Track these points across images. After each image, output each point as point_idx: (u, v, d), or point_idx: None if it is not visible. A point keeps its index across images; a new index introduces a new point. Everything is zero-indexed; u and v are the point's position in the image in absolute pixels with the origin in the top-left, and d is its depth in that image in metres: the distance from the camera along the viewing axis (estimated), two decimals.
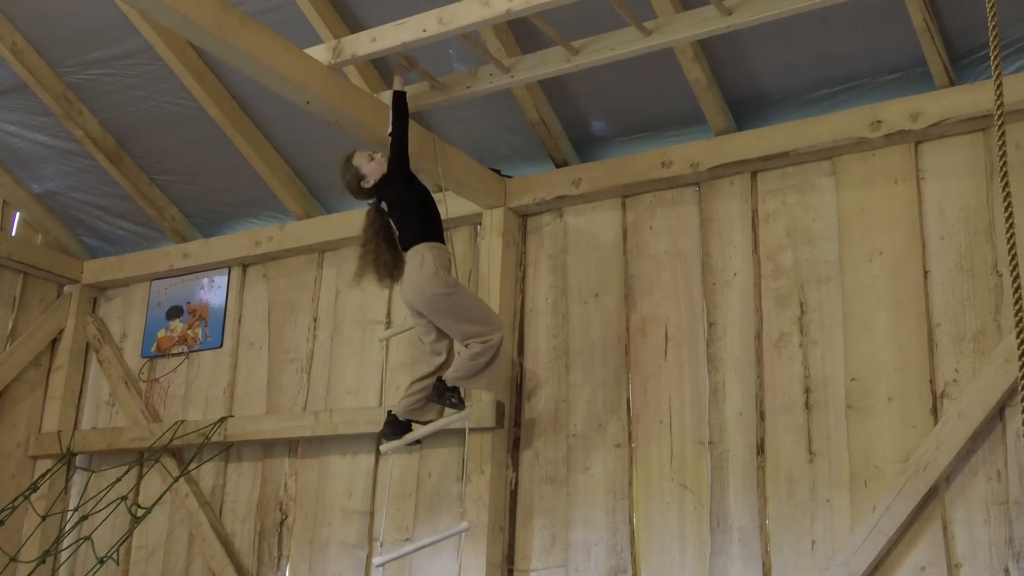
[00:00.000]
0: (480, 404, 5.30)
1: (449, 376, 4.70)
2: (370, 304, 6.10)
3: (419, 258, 4.63)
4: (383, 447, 4.95)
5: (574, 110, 5.54)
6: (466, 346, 4.71)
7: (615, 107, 5.47)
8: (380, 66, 5.55)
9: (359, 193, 4.89)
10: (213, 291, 6.78)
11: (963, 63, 4.70)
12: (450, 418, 4.91)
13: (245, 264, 6.73)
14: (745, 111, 5.22)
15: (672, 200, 5.33)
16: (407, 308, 4.87)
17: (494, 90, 5.02)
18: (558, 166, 5.65)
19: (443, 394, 4.70)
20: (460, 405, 4.77)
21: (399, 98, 4.77)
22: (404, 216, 4.75)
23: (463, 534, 4.89)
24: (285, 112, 5.88)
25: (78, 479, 6.85)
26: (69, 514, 6.68)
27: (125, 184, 6.69)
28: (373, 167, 4.80)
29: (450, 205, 5.73)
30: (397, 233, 4.79)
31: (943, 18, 4.58)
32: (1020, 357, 2.82)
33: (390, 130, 4.78)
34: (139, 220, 7.03)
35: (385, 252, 4.78)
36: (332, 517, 5.85)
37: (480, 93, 5.03)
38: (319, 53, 4.81)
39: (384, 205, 4.85)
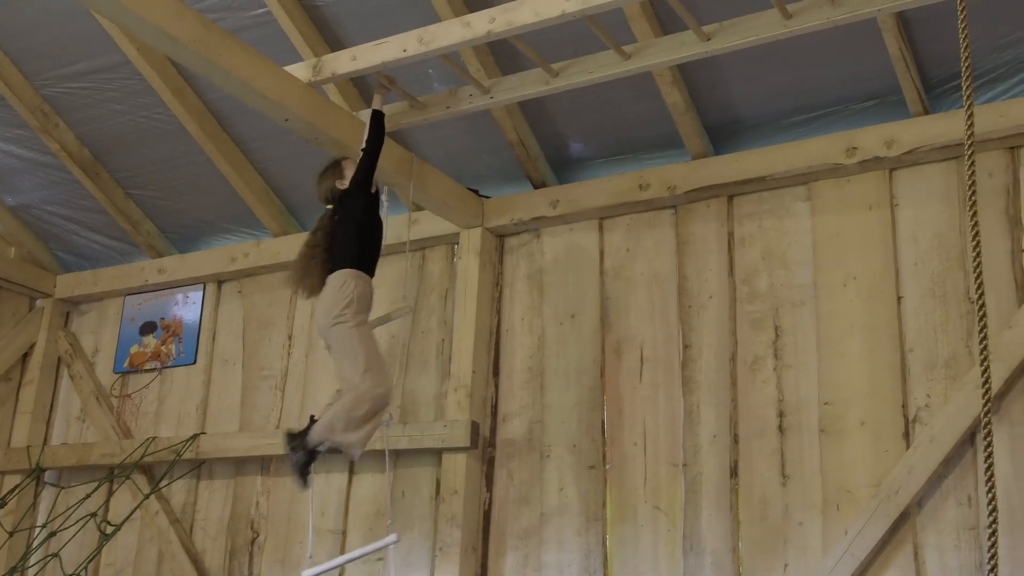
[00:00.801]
0: (455, 424, 5.29)
1: (317, 429, 4.24)
2: None
3: (340, 282, 4.38)
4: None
5: (553, 131, 5.56)
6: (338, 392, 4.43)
7: (593, 129, 5.50)
8: (360, 85, 5.56)
9: (328, 199, 4.67)
10: (187, 307, 6.74)
11: (937, 92, 4.76)
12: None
13: (220, 280, 6.70)
14: (722, 135, 5.26)
15: (649, 222, 5.35)
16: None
17: (473, 111, 5.03)
18: (536, 187, 5.67)
19: (295, 453, 4.26)
20: (302, 471, 4.26)
21: (377, 118, 4.70)
22: (347, 236, 4.51)
23: (392, 546, 4.82)
24: (263, 129, 5.87)
25: (47, 495, 6.77)
26: (37, 530, 6.61)
27: (101, 198, 6.66)
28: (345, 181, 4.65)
29: (427, 224, 5.75)
30: (333, 248, 4.55)
31: (918, 47, 4.64)
32: (983, 374, 2.84)
33: (363, 147, 4.69)
34: (114, 235, 6.99)
35: (320, 263, 4.53)
36: (304, 536, 5.81)
37: (459, 113, 5.05)
38: (299, 71, 4.81)
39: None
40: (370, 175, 4.58)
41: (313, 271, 4.54)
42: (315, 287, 4.54)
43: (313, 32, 5.41)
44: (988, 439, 2.88)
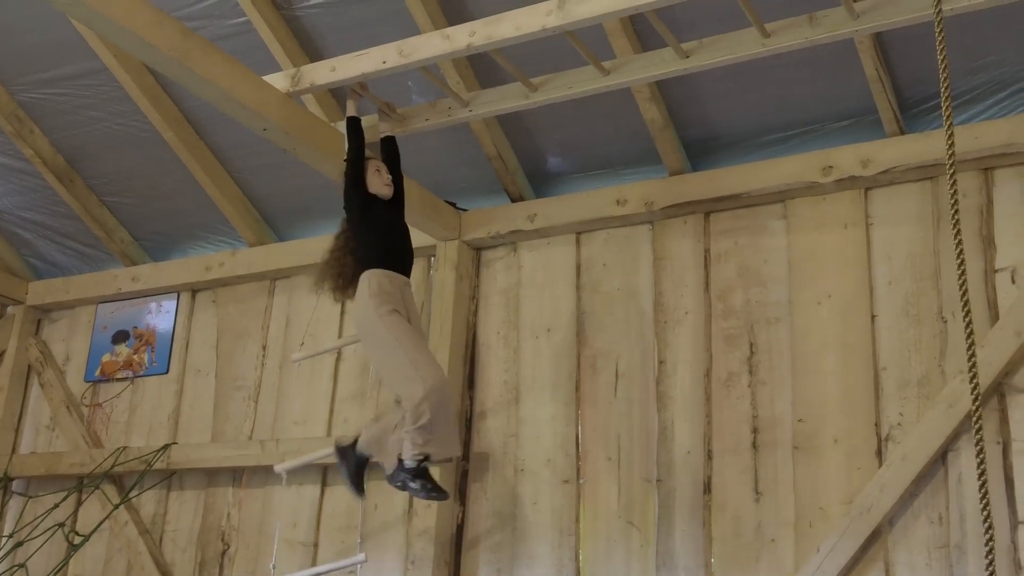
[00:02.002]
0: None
1: (406, 454, 4.20)
2: (321, 333, 6.05)
3: (360, 287, 4.37)
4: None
5: (531, 145, 5.57)
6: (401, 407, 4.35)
7: (572, 144, 5.51)
8: (339, 96, 5.55)
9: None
10: (161, 316, 6.70)
11: (912, 112, 4.81)
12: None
13: (195, 289, 6.66)
14: (700, 152, 5.29)
15: (626, 238, 5.36)
16: None
17: (452, 123, 5.03)
18: (514, 200, 5.68)
19: (405, 481, 4.24)
20: (430, 492, 4.24)
21: (351, 124, 4.67)
22: (355, 240, 4.52)
23: (360, 567, 4.83)
24: (241, 138, 5.85)
25: (14, 504, 6.69)
26: (4, 540, 6.52)
27: (74, 205, 6.61)
28: (376, 182, 4.56)
29: None
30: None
31: (894, 68, 4.69)
32: (973, 391, 2.86)
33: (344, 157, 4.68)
34: (87, 242, 6.94)
35: (339, 266, 4.54)
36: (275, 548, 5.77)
37: (438, 126, 5.04)
38: (277, 81, 4.79)
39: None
40: (355, 181, 4.52)
41: (331, 273, 4.55)
42: (336, 288, 4.55)
43: (292, 42, 5.41)
44: (980, 456, 2.88)
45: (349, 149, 4.63)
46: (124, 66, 5.69)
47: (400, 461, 4.24)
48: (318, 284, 4.63)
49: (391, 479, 4.33)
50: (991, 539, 2.89)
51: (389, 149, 4.80)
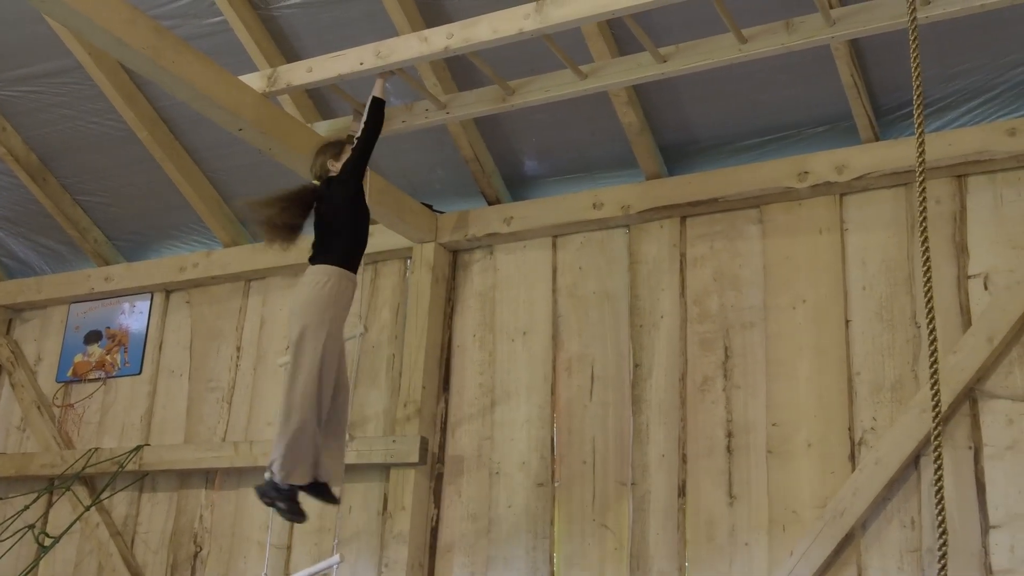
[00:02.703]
0: (404, 439, 5.26)
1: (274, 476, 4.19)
2: None
3: (323, 279, 4.21)
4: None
5: (508, 148, 5.57)
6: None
7: (549, 147, 5.51)
8: (315, 97, 5.53)
9: (318, 175, 4.50)
10: (134, 316, 6.65)
11: (887, 119, 4.84)
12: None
13: (168, 290, 6.61)
14: (676, 156, 5.31)
15: (602, 241, 5.37)
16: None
17: (429, 126, 5.02)
18: (490, 203, 5.67)
19: (266, 492, 4.23)
20: (288, 512, 4.26)
21: (376, 105, 4.50)
22: (331, 228, 4.35)
23: (335, 568, 4.80)
24: (216, 138, 5.83)
25: None
26: None
27: (47, 204, 6.55)
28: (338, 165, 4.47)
29: (381, 238, 5.72)
30: (315, 239, 4.39)
31: (870, 75, 4.72)
32: (933, 398, 2.88)
33: (357, 134, 4.51)
34: (60, 241, 6.88)
35: (293, 218, 4.40)
36: (248, 550, 5.74)
37: (415, 128, 5.03)
38: (253, 81, 4.77)
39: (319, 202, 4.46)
40: (362, 165, 4.44)
41: (287, 222, 4.40)
42: (280, 242, 4.42)
43: (269, 43, 5.38)
44: (938, 462, 2.91)
45: (365, 130, 4.49)
46: (99, 64, 5.65)
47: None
48: (260, 217, 4.46)
49: (260, 492, 4.27)
50: (944, 544, 2.98)
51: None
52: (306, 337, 4.17)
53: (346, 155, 4.46)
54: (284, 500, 4.23)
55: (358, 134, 4.52)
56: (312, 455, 4.20)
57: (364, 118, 4.52)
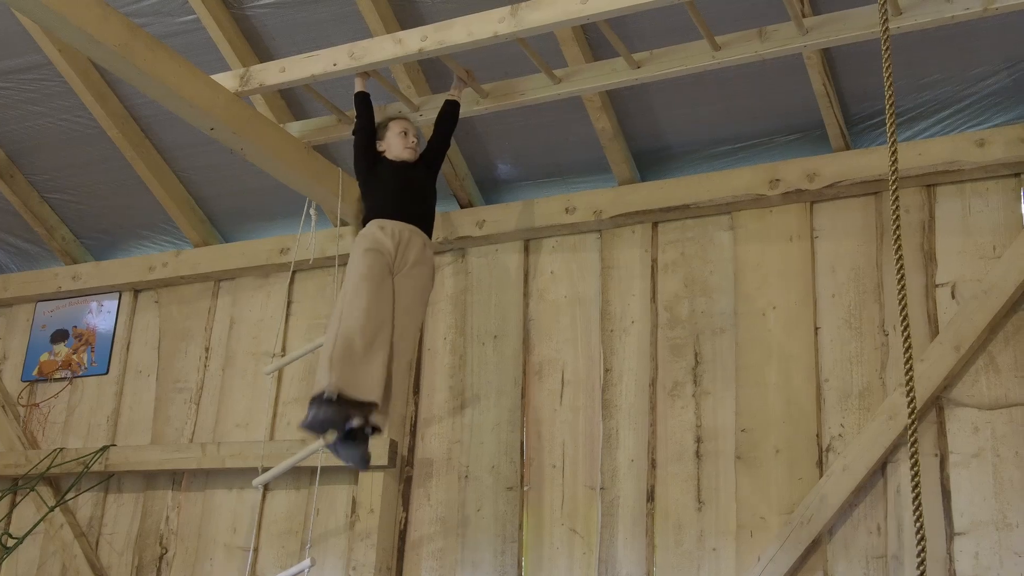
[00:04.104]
0: (373, 442, 5.23)
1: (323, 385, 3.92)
2: (265, 335, 6.00)
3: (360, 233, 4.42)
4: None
5: (481, 152, 5.57)
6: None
7: (522, 151, 5.52)
8: (287, 97, 5.51)
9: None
10: (102, 316, 6.59)
11: (858, 128, 4.88)
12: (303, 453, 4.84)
13: (137, 289, 6.55)
14: (649, 162, 5.32)
15: (574, 246, 5.38)
16: None
17: None
18: (462, 206, 5.67)
19: (315, 417, 3.87)
20: (346, 447, 3.95)
21: (360, 98, 4.64)
22: (364, 200, 4.62)
23: (307, 571, 4.79)
24: (188, 138, 5.78)
25: None
26: None
27: (14, 201, 6.48)
28: (396, 144, 4.54)
29: (352, 241, 5.69)
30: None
31: (841, 85, 4.75)
32: (909, 404, 2.90)
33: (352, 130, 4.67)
34: (27, 239, 6.80)
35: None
36: (214, 553, 5.70)
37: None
38: (226, 80, 4.75)
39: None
40: (364, 151, 4.55)
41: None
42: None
43: (242, 42, 5.35)
44: (915, 468, 2.93)
45: (358, 120, 4.61)
46: (69, 61, 5.59)
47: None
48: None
49: (309, 422, 3.90)
50: (923, 550, 3.01)
51: (446, 111, 4.71)
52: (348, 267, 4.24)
53: (402, 133, 4.61)
54: (338, 424, 3.85)
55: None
56: (379, 373, 3.97)
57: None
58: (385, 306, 4.14)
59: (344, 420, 3.88)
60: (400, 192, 4.45)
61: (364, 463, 4.05)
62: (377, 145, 4.58)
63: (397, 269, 4.29)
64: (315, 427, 3.89)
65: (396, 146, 4.54)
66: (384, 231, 4.30)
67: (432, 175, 4.66)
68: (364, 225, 4.41)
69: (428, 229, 4.49)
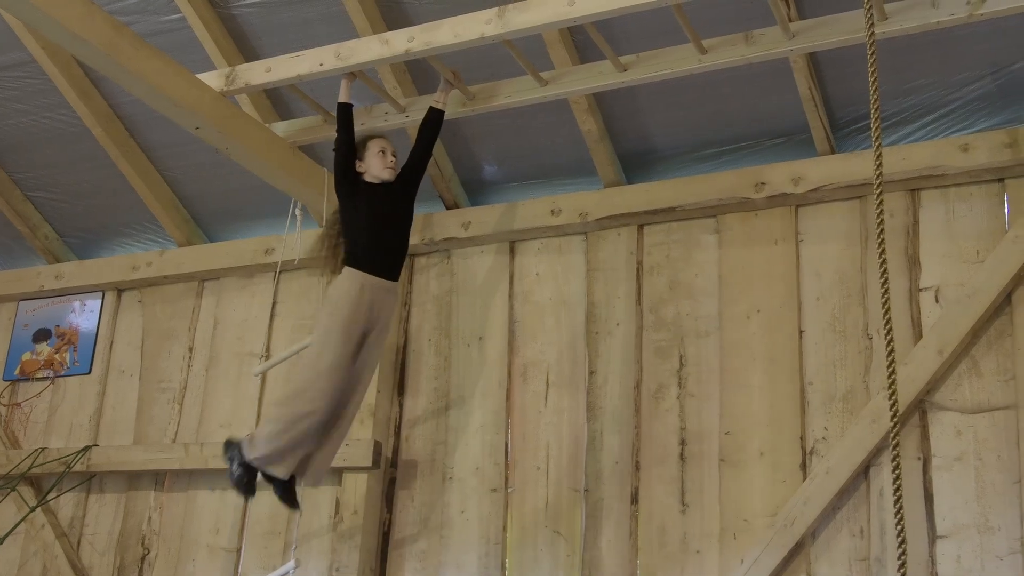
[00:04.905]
0: (357, 443, 5.22)
1: (249, 448, 4.22)
2: (249, 336, 5.98)
3: (339, 281, 4.34)
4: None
5: (467, 153, 5.56)
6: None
7: (508, 153, 5.52)
8: (273, 97, 5.50)
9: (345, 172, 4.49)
10: (84, 315, 6.56)
11: (843, 132, 4.90)
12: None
13: (120, 289, 6.52)
14: (635, 165, 5.33)
15: (559, 248, 5.38)
16: None
17: (388, 129, 5.00)
18: (448, 208, 5.66)
19: (233, 457, 4.25)
20: (241, 483, 4.25)
21: (343, 110, 4.51)
22: (344, 230, 4.49)
23: (292, 573, 4.78)
24: (173, 137, 5.76)
25: None
26: None
27: None
28: (376, 164, 4.47)
29: None
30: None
31: (827, 89, 4.77)
32: (891, 408, 2.91)
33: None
34: (10, 237, 6.77)
35: (340, 248, 4.50)
36: (197, 553, 5.68)
37: (374, 131, 5.00)
38: (211, 79, 4.73)
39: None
40: (343, 171, 4.45)
41: (325, 254, 4.59)
42: (329, 269, 4.58)
43: (228, 41, 5.34)
44: (897, 471, 2.95)
45: (338, 137, 4.50)
46: (52, 59, 5.56)
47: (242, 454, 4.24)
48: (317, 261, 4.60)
49: (228, 452, 4.30)
50: (903, 553, 3.05)
51: (431, 118, 4.61)
52: (317, 327, 4.30)
53: (380, 153, 4.52)
54: (244, 473, 4.22)
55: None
56: (304, 451, 4.25)
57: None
58: (346, 391, 4.32)
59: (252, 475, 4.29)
60: (378, 227, 4.40)
61: (292, 504, 4.43)
62: (356, 165, 4.48)
63: (366, 334, 4.33)
64: (238, 485, 4.28)
65: (375, 166, 4.46)
66: (363, 297, 4.27)
67: (410, 194, 4.58)
68: (346, 260, 4.35)
69: (400, 267, 4.48)
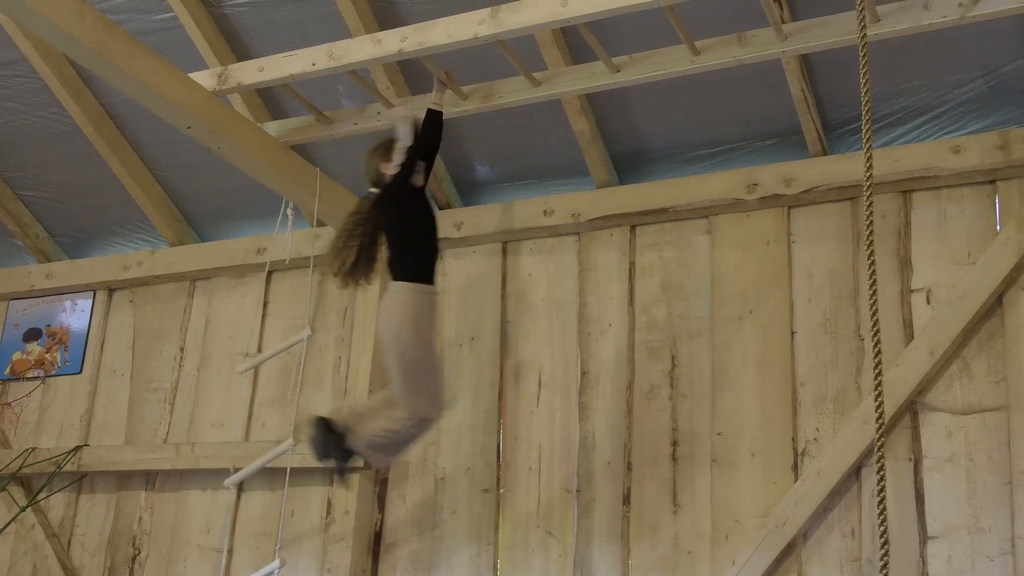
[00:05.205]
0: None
1: (364, 436, 4.29)
2: (240, 336, 5.96)
3: (405, 298, 4.17)
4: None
5: (459, 153, 5.56)
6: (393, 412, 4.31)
7: (500, 153, 5.51)
8: (265, 96, 5.48)
9: (374, 182, 4.38)
10: (75, 314, 6.54)
11: (836, 134, 4.90)
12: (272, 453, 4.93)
13: (111, 288, 6.50)
14: (627, 166, 5.33)
15: (552, 248, 5.37)
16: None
17: (381, 129, 5.00)
18: (441, 208, 5.65)
19: (329, 448, 4.28)
20: (342, 469, 4.38)
21: (434, 117, 4.41)
22: (397, 241, 4.27)
23: (276, 573, 4.77)
24: (164, 136, 5.74)
25: None
26: None
27: None
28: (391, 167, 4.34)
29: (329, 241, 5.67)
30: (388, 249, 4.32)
31: (819, 90, 4.77)
32: (877, 409, 2.92)
33: (408, 143, 4.34)
34: (0, 236, 6.74)
35: (358, 253, 4.26)
36: (188, 554, 5.66)
37: (367, 131, 5.01)
38: (204, 79, 4.72)
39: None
40: (409, 173, 4.29)
41: (349, 259, 4.27)
42: (350, 277, 4.29)
43: (220, 40, 5.32)
44: (881, 472, 2.97)
45: (419, 139, 4.36)
46: (44, 57, 5.54)
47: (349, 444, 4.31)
48: (331, 269, 4.32)
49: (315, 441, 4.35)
50: (886, 554, 3.10)
51: (428, 120, 4.47)
52: (408, 356, 4.20)
53: (399, 158, 4.31)
54: (342, 458, 4.33)
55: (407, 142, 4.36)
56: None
57: (423, 128, 4.40)
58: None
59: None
60: (428, 233, 4.36)
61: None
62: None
63: None
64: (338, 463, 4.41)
65: (419, 177, 4.38)
66: (432, 307, 4.28)
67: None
68: (397, 269, 4.25)
69: None
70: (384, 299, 4.31)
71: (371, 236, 4.29)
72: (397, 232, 4.28)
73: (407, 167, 4.29)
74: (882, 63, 4.50)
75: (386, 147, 4.41)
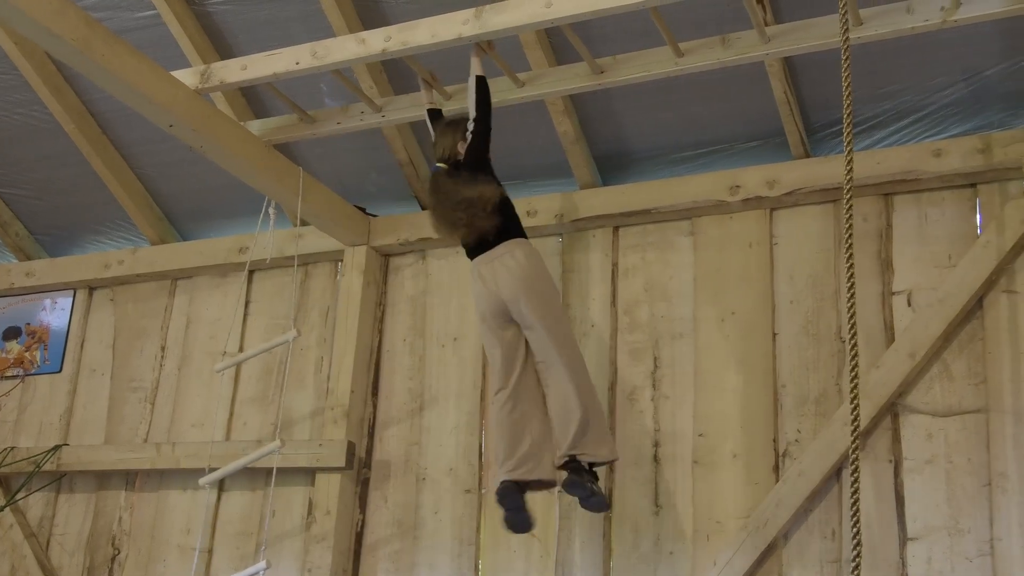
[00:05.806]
0: (330, 443, 5.21)
1: (589, 452, 4.10)
2: (222, 335, 5.94)
3: (528, 248, 4.21)
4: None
5: None
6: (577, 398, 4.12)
7: None
8: (248, 95, 5.46)
9: (445, 158, 4.32)
10: (56, 313, 6.50)
11: (818, 136, 4.93)
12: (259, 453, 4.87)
13: (92, 287, 6.47)
14: (610, 167, 5.33)
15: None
16: (489, 315, 4.23)
17: (364, 128, 4.99)
18: (424, 208, 5.64)
19: (583, 482, 4.08)
20: (592, 503, 4.13)
21: (483, 83, 4.31)
22: (500, 203, 4.24)
23: (262, 574, 4.75)
24: (146, 134, 5.72)
25: None
26: None
27: None
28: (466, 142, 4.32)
29: (312, 240, 5.67)
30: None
31: (802, 93, 4.79)
32: (853, 411, 2.93)
33: (473, 115, 4.29)
34: None
35: (496, 222, 4.20)
36: (167, 554, 5.64)
37: (350, 130, 5.00)
38: (186, 77, 4.70)
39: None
40: (488, 145, 4.31)
41: (464, 222, 4.19)
42: (467, 235, 4.25)
43: (203, 38, 5.31)
44: (855, 475, 2.98)
45: (479, 109, 4.30)
46: (25, 54, 5.51)
47: (578, 464, 4.12)
48: (450, 228, 4.27)
49: (571, 487, 4.11)
50: (858, 555, 3.10)
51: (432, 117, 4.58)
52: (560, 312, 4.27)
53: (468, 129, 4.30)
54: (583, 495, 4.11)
55: (472, 114, 4.32)
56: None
57: (473, 99, 4.32)
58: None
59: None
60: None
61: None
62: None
63: None
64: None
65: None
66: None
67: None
68: (515, 228, 4.28)
69: None
70: (496, 263, 4.21)
71: (470, 201, 4.19)
72: (498, 194, 4.24)
73: (486, 139, 4.31)
74: (865, 66, 4.52)
75: (458, 123, 4.39)
